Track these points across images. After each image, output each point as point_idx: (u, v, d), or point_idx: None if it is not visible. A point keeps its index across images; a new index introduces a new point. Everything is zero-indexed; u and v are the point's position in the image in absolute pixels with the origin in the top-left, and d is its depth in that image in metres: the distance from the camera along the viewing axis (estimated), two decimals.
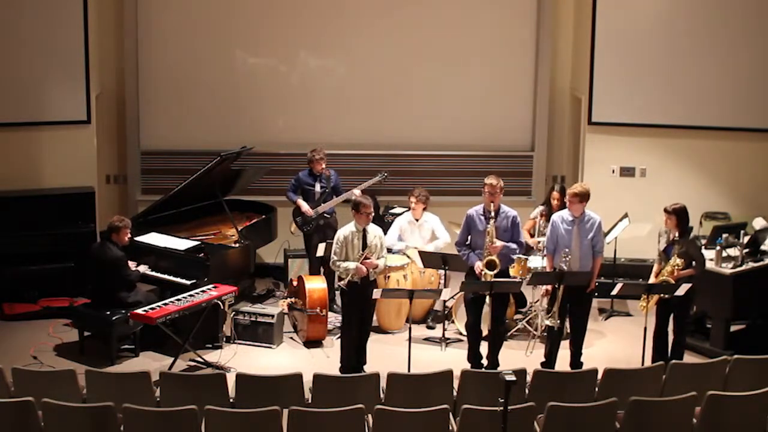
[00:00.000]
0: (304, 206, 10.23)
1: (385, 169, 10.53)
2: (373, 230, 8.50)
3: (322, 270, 10.08)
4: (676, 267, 8.32)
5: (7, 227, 10.21)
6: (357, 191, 10.01)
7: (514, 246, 8.51)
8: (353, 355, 8.55)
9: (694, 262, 8.40)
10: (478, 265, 8.41)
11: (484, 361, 8.66)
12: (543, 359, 8.60)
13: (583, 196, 8.42)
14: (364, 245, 8.36)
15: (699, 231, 10.46)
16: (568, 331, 8.68)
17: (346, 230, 8.43)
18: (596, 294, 8.69)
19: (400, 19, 11.55)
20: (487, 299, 8.49)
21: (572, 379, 7.38)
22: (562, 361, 8.59)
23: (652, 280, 8.56)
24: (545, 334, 8.98)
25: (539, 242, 9.68)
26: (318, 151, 10.21)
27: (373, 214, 8.48)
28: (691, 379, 7.13)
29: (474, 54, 11.64)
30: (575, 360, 8.57)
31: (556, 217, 8.61)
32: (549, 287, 8.66)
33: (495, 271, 8.36)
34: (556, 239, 8.50)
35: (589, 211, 8.49)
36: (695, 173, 11.26)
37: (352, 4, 11.55)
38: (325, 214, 10.31)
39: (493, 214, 8.39)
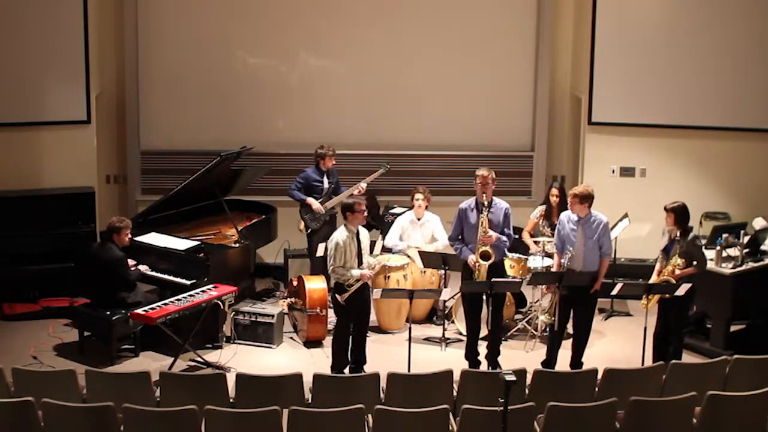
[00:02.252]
0: (315, 204, 10.25)
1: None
2: (363, 232, 8.52)
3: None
4: (677, 267, 8.32)
5: (7, 227, 10.20)
6: (363, 184, 10.21)
7: (504, 238, 8.51)
8: (346, 357, 8.53)
9: (695, 262, 8.40)
10: (472, 258, 8.40)
11: (481, 358, 8.66)
12: (543, 359, 8.60)
13: (584, 198, 8.38)
14: (359, 248, 8.36)
15: (699, 231, 10.44)
16: (570, 331, 8.68)
17: (341, 235, 8.35)
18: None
19: (400, 19, 11.55)
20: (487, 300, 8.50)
21: (572, 379, 7.38)
22: (562, 361, 8.59)
23: (654, 278, 8.55)
24: (546, 333, 8.97)
25: (539, 243, 9.67)
26: (329, 147, 10.30)
27: (366, 211, 8.46)
28: (691, 379, 7.13)
29: (474, 54, 11.63)
30: (576, 360, 8.56)
31: (563, 216, 8.60)
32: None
33: (490, 262, 8.36)
34: (563, 238, 8.51)
35: (596, 212, 8.44)
36: (695, 173, 11.26)
37: (352, 4, 11.54)
38: (333, 209, 10.35)
39: (486, 204, 8.38)
